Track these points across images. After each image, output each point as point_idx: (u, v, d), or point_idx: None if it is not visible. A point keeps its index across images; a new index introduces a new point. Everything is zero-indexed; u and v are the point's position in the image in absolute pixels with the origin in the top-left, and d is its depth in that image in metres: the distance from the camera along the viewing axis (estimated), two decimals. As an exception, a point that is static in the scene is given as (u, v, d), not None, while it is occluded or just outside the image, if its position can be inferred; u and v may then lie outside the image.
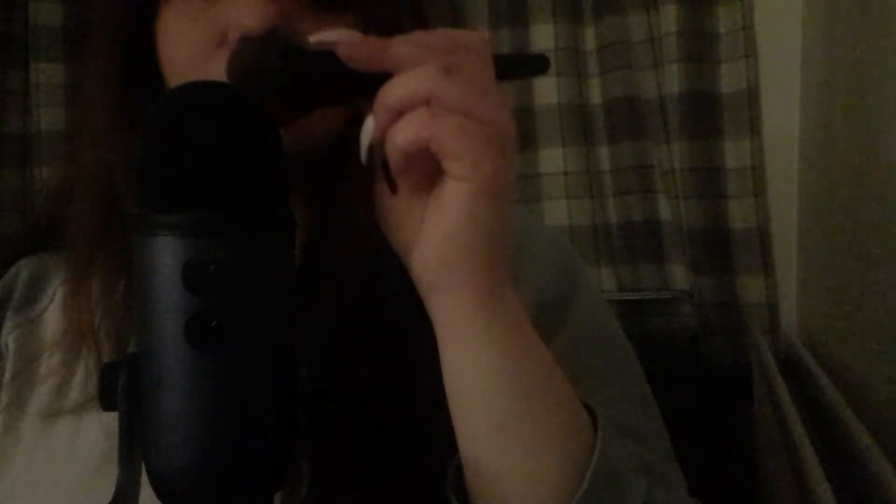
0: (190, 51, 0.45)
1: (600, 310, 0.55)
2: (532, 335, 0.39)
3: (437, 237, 0.35)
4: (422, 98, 0.34)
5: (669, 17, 1.41)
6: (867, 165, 0.91)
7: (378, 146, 0.36)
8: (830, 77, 1.16)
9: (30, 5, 1.55)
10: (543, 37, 1.51)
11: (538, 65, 0.44)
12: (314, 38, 0.36)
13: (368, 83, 0.35)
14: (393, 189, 0.38)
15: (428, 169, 0.36)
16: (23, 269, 0.54)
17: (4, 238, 1.53)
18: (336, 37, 0.35)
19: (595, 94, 1.51)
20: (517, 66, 0.42)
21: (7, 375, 0.50)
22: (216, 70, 0.43)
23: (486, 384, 0.36)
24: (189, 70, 0.45)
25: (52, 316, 0.51)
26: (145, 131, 0.30)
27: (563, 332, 0.50)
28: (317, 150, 0.48)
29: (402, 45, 0.35)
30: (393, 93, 0.34)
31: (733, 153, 1.42)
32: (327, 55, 0.35)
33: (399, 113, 0.34)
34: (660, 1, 1.42)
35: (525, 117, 1.52)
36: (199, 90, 0.31)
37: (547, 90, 1.50)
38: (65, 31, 1.56)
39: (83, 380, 0.48)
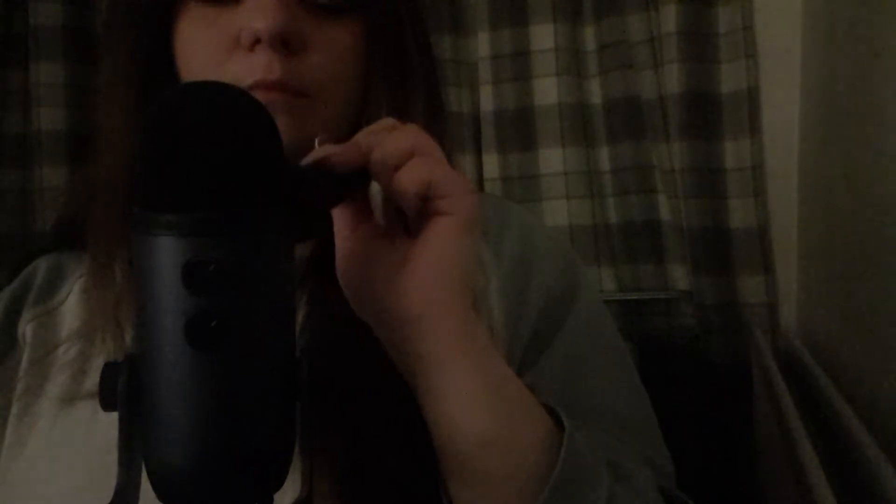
0: (205, 55, 0.48)
1: (598, 307, 0.57)
2: (499, 357, 0.41)
3: (423, 270, 0.38)
4: (410, 151, 0.38)
5: (669, 17, 1.41)
6: (867, 165, 0.91)
7: (387, 201, 0.40)
8: (830, 77, 1.16)
9: (30, 5, 1.55)
10: (543, 37, 1.51)
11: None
12: (305, 162, 0.39)
13: (352, 180, 0.39)
14: (412, 233, 0.40)
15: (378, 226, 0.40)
16: (41, 264, 0.57)
17: (4, 238, 1.53)
18: (321, 153, 0.38)
19: (595, 94, 1.51)
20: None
21: (25, 363, 0.52)
22: (231, 73, 0.47)
23: (471, 407, 0.38)
24: (205, 73, 0.48)
25: (69, 308, 0.53)
26: (145, 131, 0.30)
27: (566, 327, 0.53)
28: None
29: (365, 135, 0.39)
30: (387, 152, 0.38)
31: (733, 153, 1.42)
32: (313, 169, 0.38)
33: (396, 168, 0.38)
34: (660, 1, 1.43)
35: (525, 117, 1.52)
36: (198, 90, 0.31)
37: (547, 90, 1.51)
38: (65, 31, 1.55)
39: (102, 365, 0.49)
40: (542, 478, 0.38)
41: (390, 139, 0.39)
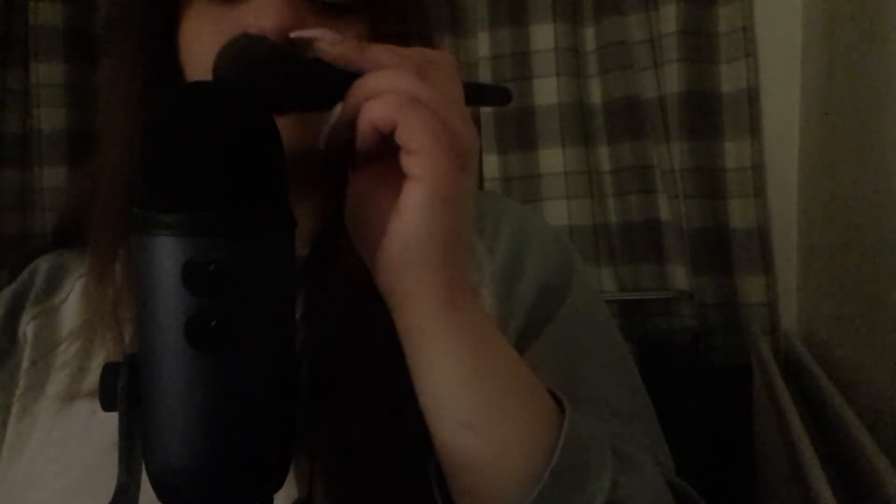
0: (210, 53, 0.47)
1: (594, 302, 0.57)
2: (495, 338, 0.39)
3: (394, 239, 0.36)
4: (402, 83, 0.36)
5: (669, 17, 1.41)
6: (867, 165, 0.91)
7: (341, 130, 0.37)
8: (830, 77, 1.16)
9: (30, 5, 1.55)
10: (543, 37, 1.51)
11: (501, 96, 0.46)
12: (295, 34, 0.38)
13: (346, 87, 0.36)
14: (352, 164, 0.39)
15: (389, 170, 0.37)
16: (42, 264, 0.57)
17: (4, 238, 1.53)
18: (317, 34, 0.36)
19: (595, 94, 1.51)
20: (479, 94, 0.43)
21: (26, 363, 0.52)
22: None
23: (449, 387, 0.37)
24: (210, 71, 0.47)
25: (70, 306, 0.54)
26: (145, 131, 0.30)
27: (557, 318, 0.52)
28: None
29: (378, 48, 0.37)
30: (368, 84, 0.36)
31: (733, 153, 1.42)
32: (311, 60, 0.37)
33: (374, 94, 0.36)
34: (660, 1, 1.43)
35: (525, 117, 1.52)
36: (198, 90, 0.31)
37: (547, 90, 1.51)
38: (65, 31, 1.56)
39: (102, 365, 0.49)
40: (538, 465, 0.37)
41: (384, 73, 0.36)
